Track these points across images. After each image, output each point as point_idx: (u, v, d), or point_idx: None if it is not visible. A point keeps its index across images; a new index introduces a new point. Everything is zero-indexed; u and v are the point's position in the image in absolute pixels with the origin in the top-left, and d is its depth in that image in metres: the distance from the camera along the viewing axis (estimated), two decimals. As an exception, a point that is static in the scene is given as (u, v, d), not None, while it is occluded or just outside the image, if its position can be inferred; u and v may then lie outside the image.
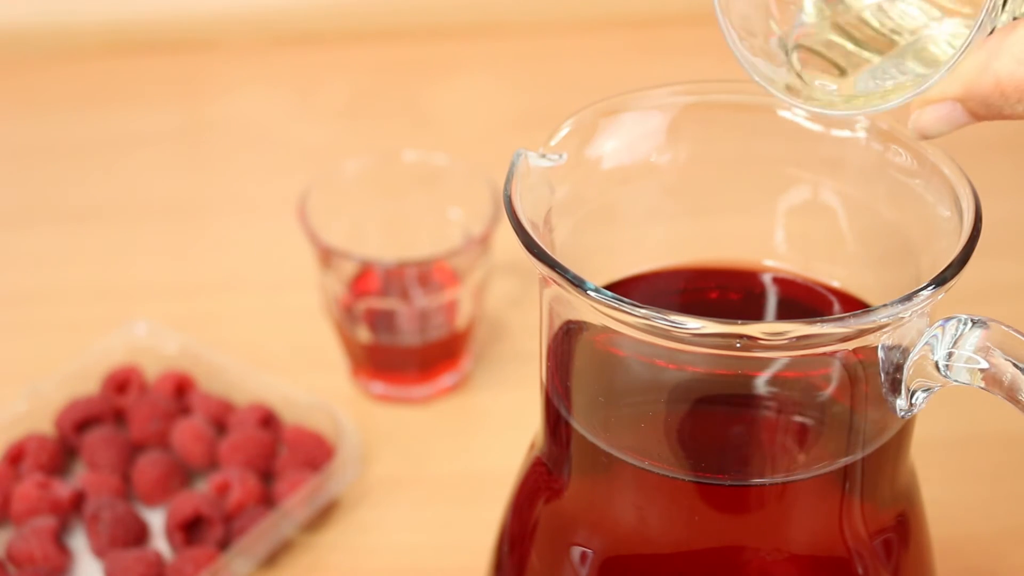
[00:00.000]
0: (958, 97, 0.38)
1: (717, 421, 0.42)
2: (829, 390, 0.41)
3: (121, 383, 0.67)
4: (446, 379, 0.70)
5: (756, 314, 0.47)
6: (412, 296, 0.68)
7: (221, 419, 0.66)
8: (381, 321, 0.68)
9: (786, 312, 0.47)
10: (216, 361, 0.68)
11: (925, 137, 0.39)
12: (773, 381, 0.41)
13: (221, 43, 0.98)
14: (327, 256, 0.67)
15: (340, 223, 0.70)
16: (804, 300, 0.47)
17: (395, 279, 0.68)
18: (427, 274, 0.68)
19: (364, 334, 0.68)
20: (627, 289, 0.46)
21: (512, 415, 0.66)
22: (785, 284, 0.47)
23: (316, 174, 0.70)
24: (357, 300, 0.68)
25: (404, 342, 0.68)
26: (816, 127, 0.45)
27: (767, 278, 0.47)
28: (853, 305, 0.46)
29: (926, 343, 0.39)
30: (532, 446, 0.47)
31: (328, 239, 0.67)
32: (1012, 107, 0.37)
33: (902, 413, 0.41)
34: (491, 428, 0.68)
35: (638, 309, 0.37)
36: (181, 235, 0.81)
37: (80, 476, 0.63)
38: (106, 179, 0.85)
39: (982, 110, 0.38)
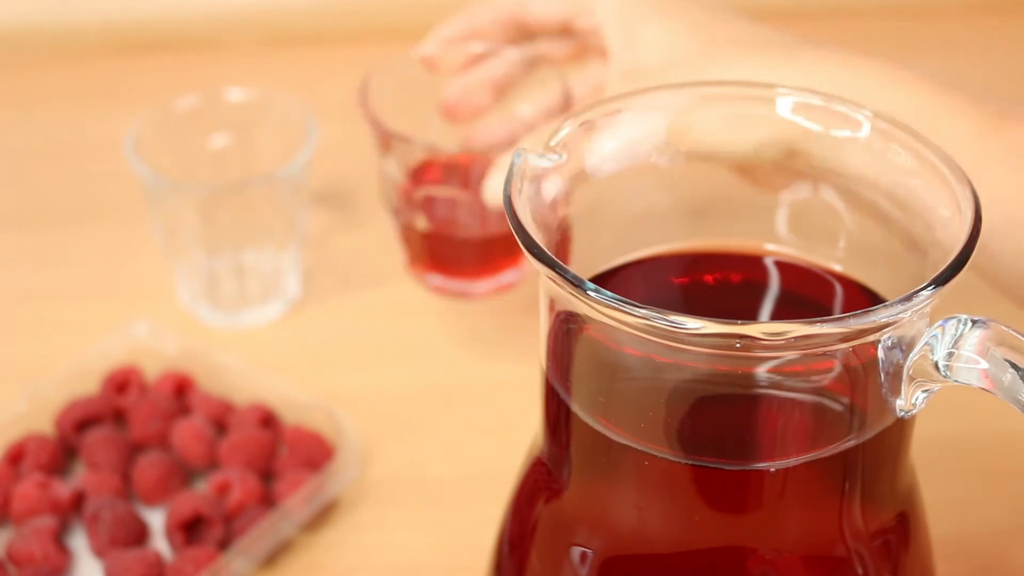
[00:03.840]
0: None
1: (718, 414, 0.43)
2: (829, 389, 0.41)
3: (121, 383, 0.67)
4: (507, 276, 0.66)
5: (756, 300, 0.47)
6: (474, 187, 0.65)
7: (221, 419, 0.66)
8: (441, 210, 0.65)
9: (788, 298, 0.47)
10: (216, 361, 0.68)
11: None
12: (773, 378, 0.41)
13: (221, 43, 0.98)
14: (388, 141, 0.64)
15: (401, 110, 0.67)
16: (806, 284, 0.47)
17: (457, 168, 0.66)
18: (490, 165, 0.64)
19: (422, 223, 0.65)
20: (627, 273, 0.46)
21: (513, 413, 0.66)
22: (787, 268, 0.47)
23: (376, 63, 0.68)
24: (417, 188, 0.65)
25: (464, 234, 0.65)
26: (816, 127, 0.45)
27: (769, 262, 0.47)
28: (854, 291, 0.46)
29: (926, 343, 0.39)
30: (532, 446, 0.47)
31: (390, 125, 0.65)
32: None
33: (902, 413, 0.41)
34: (491, 428, 0.68)
35: (638, 309, 0.37)
36: (181, 235, 0.81)
37: (80, 476, 0.64)
38: (106, 179, 0.85)
39: None
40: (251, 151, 0.77)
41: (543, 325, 0.43)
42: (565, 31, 0.65)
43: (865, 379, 0.40)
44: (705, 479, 0.41)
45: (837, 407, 0.41)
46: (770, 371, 0.40)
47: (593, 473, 0.43)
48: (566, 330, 0.42)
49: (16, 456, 0.64)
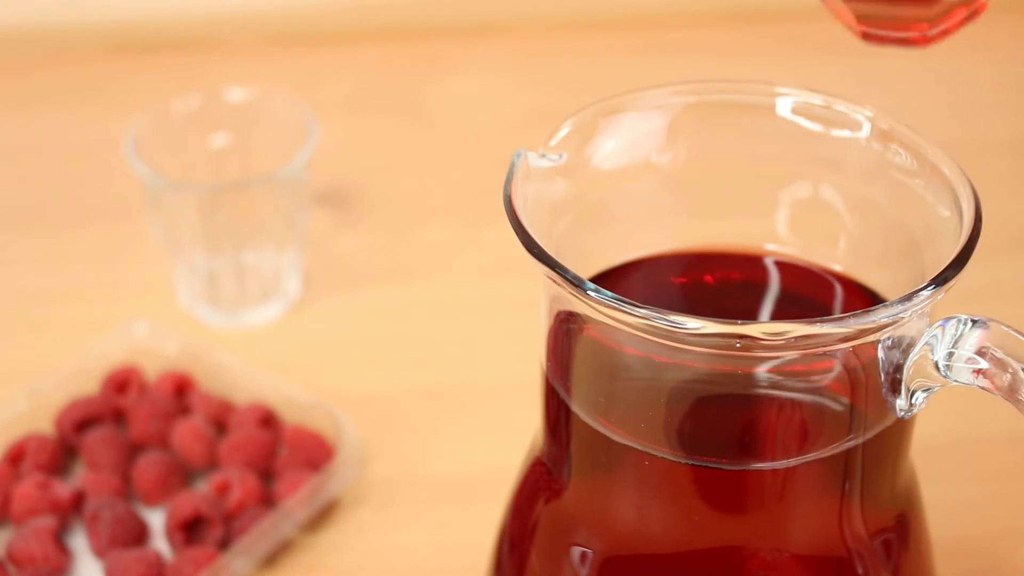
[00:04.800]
0: None
1: (718, 414, 0.43)
2: (829, 389, 0.41)
3: (121, 383, 0.67)
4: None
5: (756, 300, 0.47)
6: None
7: (221, 419, 0.66)
8: None
9: (788, 298, 0.47)
10: (216, 361, 0.68)
11: None
12: (773, 378, 0.41)
13: (221, 43, 0.98)
14: None
15: None
16: (806, 284, 0.47)
17: None
18: None
19: None
20: (627, 273, 0.46)
21: (513, 413, 0.66)
22: (787, 268, 0.47)
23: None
24: None
25: None
26: (816, 127, 0.45)
27: (769, 261, 0.47)
28: (854, 291, 0.46)
29: (926, 343, 0.39)
30: (532, 446, 0.47)
31: None
32: None
33: (902, 413, 0.41)
34: (491, 428, 0.68)
35: (638, 309, 0.37)
36: (181, 235, 0.81)
37: (80, 476, 0.64)
38: (106, 179, 0.85)
39: None
40: (251, 151, 0.77)
41: (543, 325, 0.43)
42: None
43: (865, 379, 0.40)
44: (705, 479, 0.41)
45: (837, 407, 0.41)
46: (770, 371, 0.40)
47: (593, 473, 0.43)
48: (566, 330, 0.42)
49: (16, 456, 0.64)
